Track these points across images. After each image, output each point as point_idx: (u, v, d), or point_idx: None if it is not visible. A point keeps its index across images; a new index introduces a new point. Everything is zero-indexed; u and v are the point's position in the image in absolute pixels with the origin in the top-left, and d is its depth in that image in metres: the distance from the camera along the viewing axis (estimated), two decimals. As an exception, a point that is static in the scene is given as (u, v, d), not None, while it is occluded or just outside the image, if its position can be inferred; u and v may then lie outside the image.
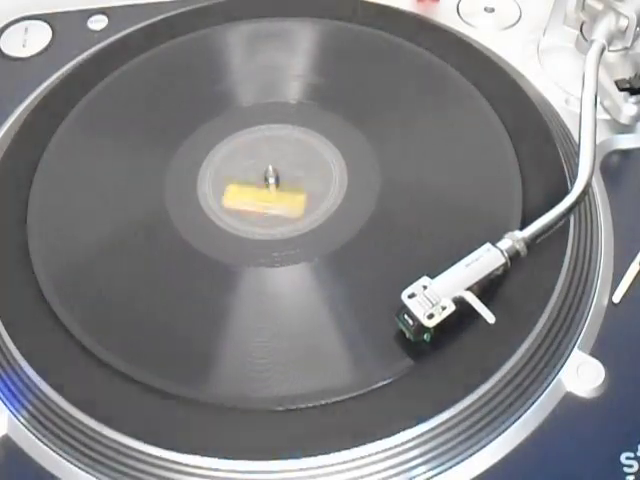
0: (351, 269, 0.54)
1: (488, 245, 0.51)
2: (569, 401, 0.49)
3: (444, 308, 0.48)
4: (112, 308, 0.53)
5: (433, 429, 0.47)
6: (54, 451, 0.49)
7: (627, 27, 0.61)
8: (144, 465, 0.47)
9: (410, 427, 0.47)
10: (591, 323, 0.52)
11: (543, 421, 0.49)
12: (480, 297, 0.49)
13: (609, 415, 0.49)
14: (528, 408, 0.49)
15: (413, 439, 0.47)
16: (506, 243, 0.51)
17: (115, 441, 0.48)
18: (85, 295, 0.54)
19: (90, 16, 0.70)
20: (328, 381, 0.49)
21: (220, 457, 0.47)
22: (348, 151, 0.60)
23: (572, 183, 0.54)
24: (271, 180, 0.58)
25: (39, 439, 0.49)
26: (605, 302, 0.53)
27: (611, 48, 0.62)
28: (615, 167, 0.60)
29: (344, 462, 0.47)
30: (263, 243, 0.56)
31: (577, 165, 0.54)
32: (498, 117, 0.60)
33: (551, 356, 0.50)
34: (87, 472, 0.48)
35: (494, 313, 0.48)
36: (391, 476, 0.47)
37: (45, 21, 0.71)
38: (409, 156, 0.59)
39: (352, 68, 0.64)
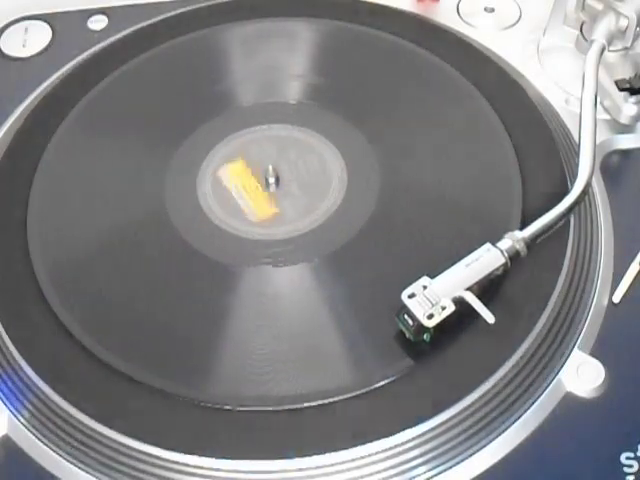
0: (351, 269, 0.54)
1: (488, 245, 0.51)
2: (569, 401, 0.49)
3: (444, 308, 0.48)
4: (112, 308, 0.53)
5: (433, 429, 0.47)
6: (54, 451, 0.49)
7: (627, 27, 0.61)
8: (144, 465, 0.47)
9: (410, 427, 0.47)
10: (591, 323, 0.52)
11: (543, 421, 0.49)
12: (480, 297, 0.49)
13: (609, 415, 0.49)
14: (528, 408, 0.49)
15: (413, 439, 0.47)
16: (506, 243, 0.51)
17: (115, 441, 0.48)
18: (85, 295, 0.54)
19: (90, 16, 0.70)
20: (328, 381, 0.49)
21: (220, 457, 0.47)
22: (348, 151, 0.60)
23: (572, 183, 0.54)
24: (271, 180, 0.58)
25: (39, 439, 0.49)
26: (605, 302, 0.53)
27: (611, 48, 0.62)
28: (615, 167, 0.60)
29: (344, 462, 0.47)
30: (263, 243, 0.56)
31: (577, 165, 0.54)
32: (498, 117, 0.60)
33: (551, 356, 0.50)
34: (87, 472, 0.48)
35: (494, 313, 0.48)
36: (391, 476, 0.47)
37: (45, 21, 0.71)
38: (409, 156, 0.59)
39: (352, 68, 0.64)
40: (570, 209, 0.53)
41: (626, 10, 0.61)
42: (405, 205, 0.57)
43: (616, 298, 0.53)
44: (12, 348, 0.51)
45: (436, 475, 0.47)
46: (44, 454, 0.49)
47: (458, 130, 0.60)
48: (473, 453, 0.48)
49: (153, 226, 0.57)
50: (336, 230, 0.56)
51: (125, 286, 0.54)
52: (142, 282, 0.54)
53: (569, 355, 0.51)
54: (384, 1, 0.69)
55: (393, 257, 0.54)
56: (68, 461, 0.48)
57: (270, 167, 0.59)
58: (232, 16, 0.68)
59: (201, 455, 0.47)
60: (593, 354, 0.51)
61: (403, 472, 0.47)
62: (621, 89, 0.60)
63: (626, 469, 0.47)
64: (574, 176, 0.54)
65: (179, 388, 0.49)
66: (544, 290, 0.52)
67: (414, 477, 0.47)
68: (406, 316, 0.49)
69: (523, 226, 0.52)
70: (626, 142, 0.61)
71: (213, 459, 0.47)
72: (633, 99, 0.60)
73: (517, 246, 0.50)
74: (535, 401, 0.49)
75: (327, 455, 0.47)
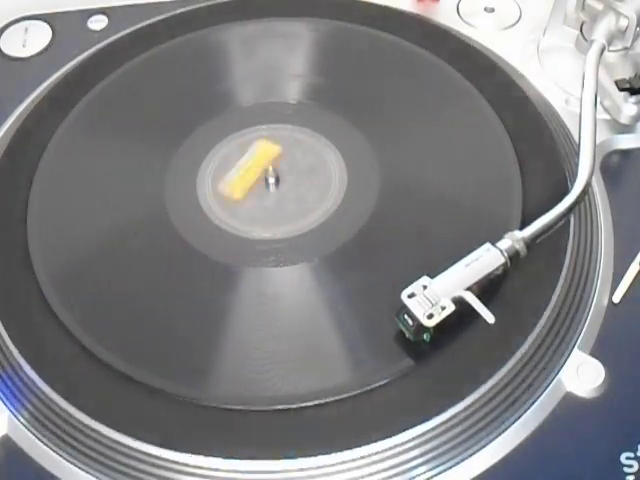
0: (351, 269, 0.54)
1: (488, 245, 0.51)
2: (569, 401, 0.49)
3: (444, 308, 0.48)
4: (112, 308, 0.53)
5: (433, 429, 0.47)
6: (54, 451, 0.49)
7: (627, 27, 0.61)
8: (144, 465, 0.47)
9: (410, 427, 0.47)
10: (591, 323, 0.52)
11: (543, 421, 0.49)
12: (480, 297, 0.49)
13: (609, 415, 0.49)
14: (528, 408, 0.49)
15: (413, 439, 0.47)
16: (506, 243, 0.51)
17: (115, 441, 0.48)
18: (85, 295, 0.54)
19: (90, 16, 0.70)
20: (328, 381, 0.49)
21: (220, 457, 0.47)
22: (348, 151, 0.60)
23: (572, 183, 0.54)
24: (271, 180, 0.58)
25: (39, 439, 0.49)
26: (605, 302, 0.53)
27: (611, 48, 0.62)
28: (615, 167, 0.60)
29: (344, 462, 0.47)
30: (263, 243, 0.56)
31: (577, 165, 0.54)
32: (498, 117, 0.60)
33: (551, 356, 0.50)
34: (87, 472, 0.48)
35: (494, 313, 0.48)
36: (391, 476, 0.47)
37: (45, 21, 0.71)
38: (409, 156, 0.59)
39: (352, 68, 0.64)
40: (570, 209, 0.53)
41: (626, 10, 0.61)
42: (405, 205, 0.57)
43: (616, 298, 0.53)
44: (12, 348, 0.51)
45: (436, 475, 0.47)
46: (44, 454, 0.49)
47: (458, 130, 0.60)
48: (473, 453, 0.48)
49: (153, 226, 0.57)
50: (336, 230, 0.56)
51: (125, 286, 0.54)
52: (142, 282, 0.54)
53: (569, 355, 0.51)
54: (384, 1, 0.69)
55: (393, 257, 0.54)
56: (68, 461, 0.48)
57: (270, 167, 0.59)
58: (232, 16, 0.68)
59: (201, 455, 0.47)
60: (593, 354, 0.51)
61: (403, 472, 0.47)
62: (621, 89, 0.60)
63: (626, 469, 0.47)
64: (574, 176, 0.54)
65: (179, 388, 0.49)
66: (544, 290, 0.52)
67: (414, 477, 0.47)
68: (406, 316, 0.49)
69: (523, 226, 0.52)
70: (626, 142, 0.61)
71: (213, 459, 0.47)
72: (633, 99, 0.60)
73: (517, 246, 0.50)
74: (535, 401, 0.49)
75: (327, 455, 0.46)
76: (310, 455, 0.46)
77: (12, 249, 0.56)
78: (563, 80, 0.64)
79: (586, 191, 0.53)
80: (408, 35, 0.65)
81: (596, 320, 0.52)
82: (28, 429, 0.50)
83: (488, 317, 0.48)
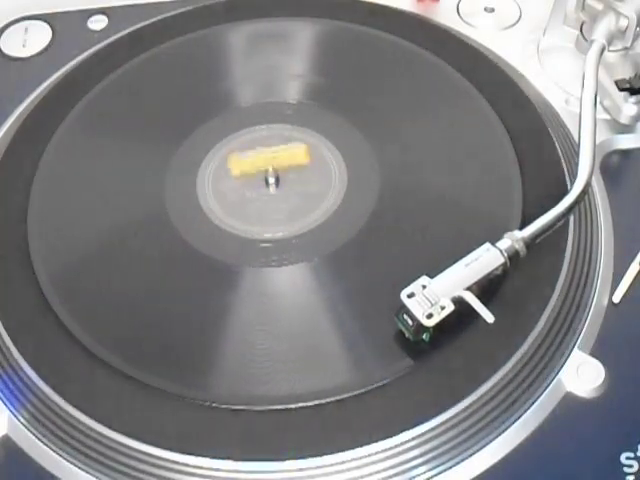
0: (351, 269, 0.54)
1: (487, 245, 0.51)
2: (569, 401, 0.49)
3: (443, 308, 0.48)
4: (112, 308, 0.53)
5: (433, 429, 0.47)
6: (54, 451, 0.49)
7: (627, 27, 0.61)
8: (144, 465, 0.47)
9: (410, 427, 0.47)
10: (591, 323, 0.52)
11: (543, 421, 0.49)
12: (480, 297, 0.49)
13: (609, 415, 0.49)
14: (528, 408, 0.49)
15: (413, 439, 0.47)
16: (505, 243, 0.51)
17: (115, 441, 0.48)
18: (85, 295, 0.54)
19: (90, 16, 0.70)
20: (328, 381, 0.49)
21: (220, 457, 0.47)
22: (348, 151, 0.60)
23: (572, 183, 0.54)
24: (271, 180, 0.58)
25: (39, 439, 0.49)
26: (605, 302, 0.53)
27: (611, 48, 0.62)
28: (615, 167, 0.60)
29: (344, 462, 0.47)
30: (263, 243, 0.56)
31: (577, 165, 0.54)
32: (498, 117, 0.60)
33: (551, 356, 0.50)
34: (87, 472, 0.48)
35: (494, 313, 0.48)
36: (391, 476, 0.47)
37: (45, 21, 0.71)
38: (409, 156, 0.59)
39: (352, 68, 0.64)
40: (570, 209, 0.52)
41: (626, 10, 0.61)
42: (405, 205, 0.57)
43: (616, 298, 0.53)
44: (12, 348, 0.51)
45: (436, 475, 0.47)
46: (44, 454, 0.49)
47: (458, 130, 0.60)
48: (473, 453, 0.48)
49: (153, 226, 0.57)
50: (336, 230, 0.56)
51: (125, 286, 0.54)
52: (142, 282, 0.54)
53: (569, 355, 0.51)
54: (384, 1, 0.69)
55: (393, 257, 0.54)
56: (68, 461, 0.48)
57: (270, 167, 0.59)
58: (232, 16, 0.68)
59: (201, 455, 0.47)
60: (593, 354, 0.51)
61: (403, 472, 0.47)
62: (621, 89, 0.60)
63: (626, 469, 0.47)
64: (574, 176, 0.54)
65: (179, 388, 0.49)
66: (544, 290, 0.52)
67: (414, 477, 0.47)
68: (405, 316, 0.49)
69: (523, 226, 0.52)
70: (626, 142, 0.61)
71: (213, 459, 0.47)
72: (633, 99, 0.60)
73: (516, 246, 0.50)
74: (535, 401, 0.49)
75: (327, 455, 0.46)
76: (310, 455, 0.46)
77: (12, 249, 0.56)
78: (563, 80, 0.64)
79: (586, 191, 0.53)
80: (408, 35, 0.65)
81: (596, 320, 0.52)
82: (28, 429, 0.50)
83: (488, 317, 0.48)
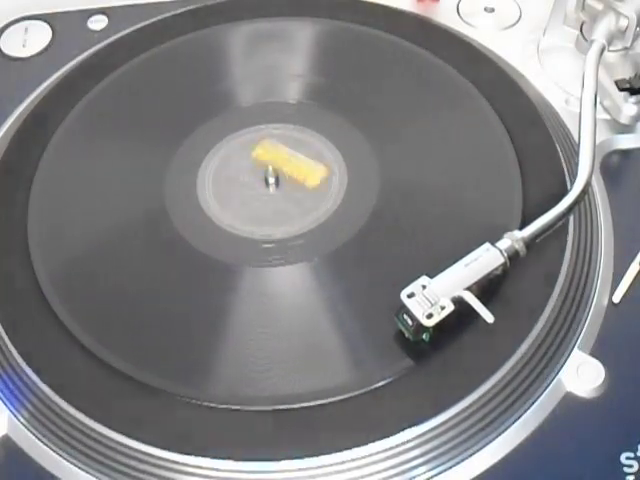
0: (351, 269, 0.54)
1: (487, 245, 0.51)
2: (569, 401, 0.49)
3: (443, 308, 0.48)
4: (112, 308, 0.53)
5: (433, 429, 0.47)
6: (54, 451, 0.49)
7: (627, 27, 0.61)
8: (144, 465, 0.47)
9: (410, 427, 0.47)
10: (591, 323, 0.52)
11: (543, 421, 0.49)
12: (480, 297, 0.49)
13: (609, 415, 0.49)
14: (528, 408, 0.49)
15: (413, 439, 0.47)
16: (505, 243, 0.51)
17: (115, 441, 0.48)
18: (85, 295, 0.54)
19: (90, 16, 0.70)
20: (328, 381, 0.49)
21: (220, 457, 0.47)
22: (348, 151, 0.60)
23: (572, 183, 0.54)
24: (271, 180, 0.58)
25: (39, 439, 0.49)
26: (605, 302, 0.53)
27: (611, 48, 0.62)
28: (615, 167, 0.60)
29: (344, 462, 0.47)
30: (263, 243, 0.56)
31: (577, 165, 0.54)
32: (498, 117, 0.60)
33: (551, 356, 0.50)
34: (87, 472, 0.48)
35: (494, 313, 0.48)
36: (391, 476, 0.47)
37: (45, 21, 0.71)
38: (409, 156, 0.59)
39: (352, 68, 0.64)
40: (570, 209, 0.53)
41: (626, 10, 0.61)
42: (404, 205, 0.57)
43: (616, 298, 0.53)
44: (12, 348, 0.51)
45: (436, 475, 0.47)
46: (44, 454, 0.49)
47: (458, 130, 0.60)
48: (473, 453, 0.48)
49: (153, 226, 0.57)
50: (336, 230, 0.56)
51: (125, 286, 0.54)
52: (142, 282, 0.54)
53: (569, 355, 0.51)
54: (384, 1, 0.69)
55: (393, 257, 0.54)
56: (68, 461, 0.48)
57: (270, 167, 0.59)
58: (232, 16, 0.68)
59: (201, 455, 0.47)
60: (593, 354, 0.51)
61: (403, 472, 0.47)
62: (621, 89, 0.60)
63: (626, 469, 0.47)
64: (574, 176, 0.54)
65: (179, 388, 0.49)
66: (544, 290, 0.52)
67: (414, 477, 0.47)
68: (405, 316, 0.49)
69: (523, 226, 0.52)
70: (626, 142, 0.61)
71: (213, 459, 0.47)
72: (633, 99, 0.60)
73: (516, 246, 0.50)
74: (535, 401, 0.49)
75: (327, 455, 0.46)
76: (310, 455, 0.46)
77: (12, 249, 0.56)
78: (563, 80, 0.64)
79: (586, 191, 0.53)
80: (408, 35, 0.65)
81: (596, 320, 0.52)
82: (28, 429, 0.50)
83: (487, 317, 0.48)
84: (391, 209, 0.56)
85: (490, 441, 0.48)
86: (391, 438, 0.47)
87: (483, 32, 0.68)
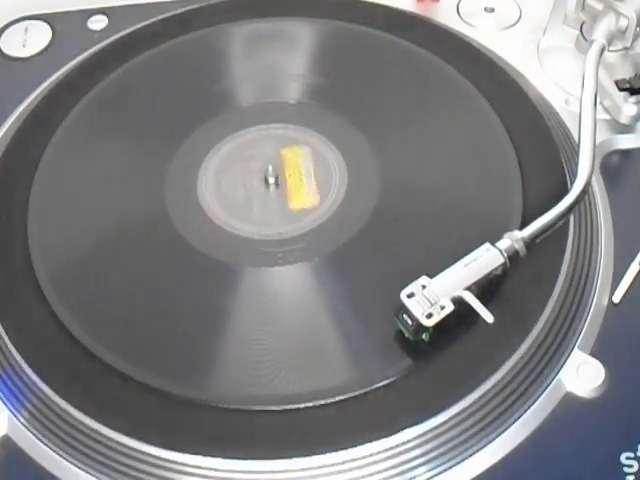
0: (351, 269, 0.54)
1: (487, 245, 0.51)
2: (569, 401, 0.49)
3: (443, 308, 0.48)
4: (112, 308, 0.53)
5: (433, 429, 0.47)
6: (54, 451, 0.49)
7: (627, 27, 0.61)
8: (144, 465, 0.47)
9: (410, 427, 0.47)
10: (591, 323, 0.52)
11: (543, 421, 0.49)
12: (480, 297, 0.49)
13: (609, 415, 0.49)
14: (528, 408, 0.49)
15: (413, 439, 0.47)
16: (505, 243, 0.51)
17: (115, 441, 0.48)
18: (85, 295, 0.54)
19: (90, 16, 0.70)
20: (328, 381, 0.49)
21: (220, 457, 0.47)
22: (348, 151, 0.60)
23: (572, 183, 0.54)
24: (271, 180, 0.58)
25: (39, 439, 0.49)
26: (605, 302, 0.53)
27: (611, 48, 0.62)
28: (615, 167, 0.60)
29: (344, 462, 0.47)
30: (263, 243, 0.56)
31: (577, 165, 0.54)
32: (498, 117, 0.60)
33: (551, 356, 0.50)
34: (87, 472, 0.48)
35: (493, 313, 0.48)
36: (391, 476, 0.47)
37: (45, 21, 0.71)
38: (409, 156, 0.59)
39: (352, 68, 0.64)
40: (570, 209, 0.52)
41: (626, 10, 0.61)
42: (405, 205, 0.57)
43: (616, 298, 0.53)
44: (12, 348, 0.51)
45: (436, 475, 0.47)
46: (44, 454, 0.49)
47: (458, 130, 0.60)
48: (473, 453, 0.48)
49: (153, 226, 0.57)
50: (336, 230, 0.56)
51: (125, 286, 0.54)
52: (142, 282, 0.54)
53: (569, 355, 0.51)
54: (384, 1, 0.69)
55: (393, 257, 0.54)
56: (68, 461, 0.48)
57: (270, 167, 0.59)
58: (232, 16, 0.68)
59: (201, 455, 0.47)
60: (593, 354, 0.51)
61: (403, 472, 0.47)
62: (621, 89, 0.60)
63: (626, 469, 0.47)
64: (574, 176, 0.54)
65: (179, 388, 0.49)
66: (544, 290, 0.52)
67: (414, 477, 0.47)
68: (405, 316, 0.49)
69: (523, 226, 0.52)
70: (626, 142, 0.61)
71: (213, 459, 0.47)
72: (633, 99, 0.60)
73: (516, 246, 0.50)
74: (535, 401, 0.49)
75: (327, 455, 0.46)
76: (310, 455, 0.46)
77: (12, 249, 0.56)
78: (563, 80, 0.64)
79: (586, 191, 0.53)
80: (408, 35, 0.65)
81: (596, 320, 0.52)
82: (28, 429, 0.50)
83: (487, 317, 0.48)
84: (391, 209, 0.56)
85: (490, 441, 0.48)
86: (391, 438, 0.47)
87: (483, 32, 0.68)
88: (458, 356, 0.49)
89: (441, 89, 0.63)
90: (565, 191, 0.54)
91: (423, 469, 0.47)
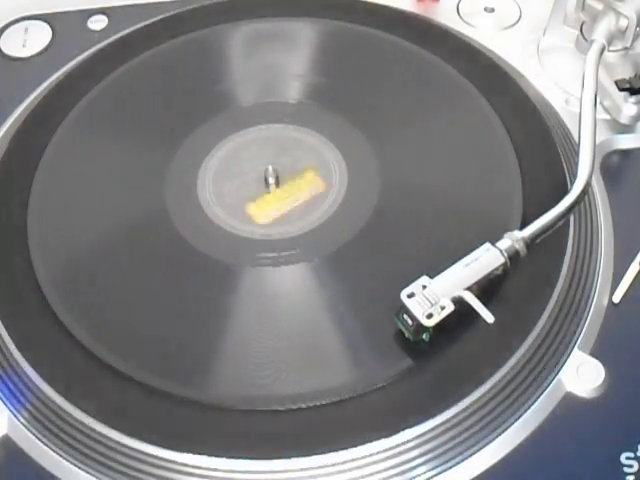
0: (351, 269, 0.54)
1: (487, 245, 0.51)
2: (569, 401, 0.49)
3: (443, 308, 0.48)
4: (112, 308, 0.53)
5: (433, 429, 0.47)
6: (54, 451, 0.49)
7: (627, 27, 0.61)
8: (144, 465, 0.47)
9: (410, 427, 0.47)
10: (591, 323, 0.52)
11: (543, 421, 0.49)
12: (480, 297, 0.48)
13: (609, 415, 0.49)
14: (528, 408, 0.49)
15: (413, 439, 0.47)
16: (505, 243, 0.51)
17: (115, 441, 0.48)
18: (85, 295, 0.54)
19: (90, 16, 0.70)
20: (328, 381, 0.49)
21: (220, 457, 0.47)
22: (348, 151, 0.60)
23: (572, 183, 0.54)
24: (271, 180, 0.58)
25: (39, 439, 0.49)
26: (605, 302, 0.53)
27: (611, 48, 0.62)
28: (615, 167, 0.60)
29: (344, 462, 0.47)
30: (263, 243, 0.56)
31: (577, 165, 0.54)
32: (498, 117, 0.60)
33: (551, 356, 0.50)
34: (87, 472, 0.48)
35: (494, 313, 0.48)
36: (391, 476, 0.47)
37: (45, 21, 0.71)
38: (409, 156, 0.59)
39: (352, 68, 0.64)
40: (570, 209, 0.52)
41: (626, 10, 0.61)
42: (405, 205, 0.57)
43: (616, 298, 0.53)
44: (12, 348, 0.51)
45: (436, 475, 0.47)
46: (44, 454, 0.49)
47: (458, 130, 0.60)
48: (473, 453, 0.48)
49: (153, 226, 0.57)
50: (336, 230, 0.56)
51: (125, 286, 0.54)
52: (142, 282, 0.54)
53: (569, 355, 0.51)
54: (384, 1, 0.69)
55: (393, 257, 0.54)
56: (68, 461, 0.48)
57: (270, 167, 0.59)
58: (232, 16, 0.68)
59: (201, 455, 0.47)
60: (593, 354, 0.51)
61: (403, 472, 0.47)
62: (621, 89, 0.60)
63: (626, 469, 0.47)
64: (574, 176, 0.54)
65: (179, 388, 0.49)
66: (544, 290, 0.52)
67: (414, 477, 0.47)
68: (405, 316, 0.49)
69: (523, 226, 0.52)
70: (626, 142, 0.61)
71: (213, 459, 0.47)
72: (633, 99, 0.60)
73: (516, 246, 0.50)
74: (535, 401, 0.49)
75: (327, 455, 0.46)
76: (310, 455, 0.46)
77: (12, 250, 0.56)
78: (563, 80, 0.64)
79: (586, 191, 0.53)
80: (408, 35, 0.65)
81: (596, 320, 0.52)
82: (28, 429, 0.50)
83: (487, 317, 0.48)
84: (391, 209, 0.56)
85: (490, 441, 0.48)
86: (391, 438, 0.47)
87: (483, 32, 0.68)
88: (458, 356, 0.49)
89: (441, 89, 0.63)
90: (565, 191, 0.54)
91: (423, 469, 0.47)
